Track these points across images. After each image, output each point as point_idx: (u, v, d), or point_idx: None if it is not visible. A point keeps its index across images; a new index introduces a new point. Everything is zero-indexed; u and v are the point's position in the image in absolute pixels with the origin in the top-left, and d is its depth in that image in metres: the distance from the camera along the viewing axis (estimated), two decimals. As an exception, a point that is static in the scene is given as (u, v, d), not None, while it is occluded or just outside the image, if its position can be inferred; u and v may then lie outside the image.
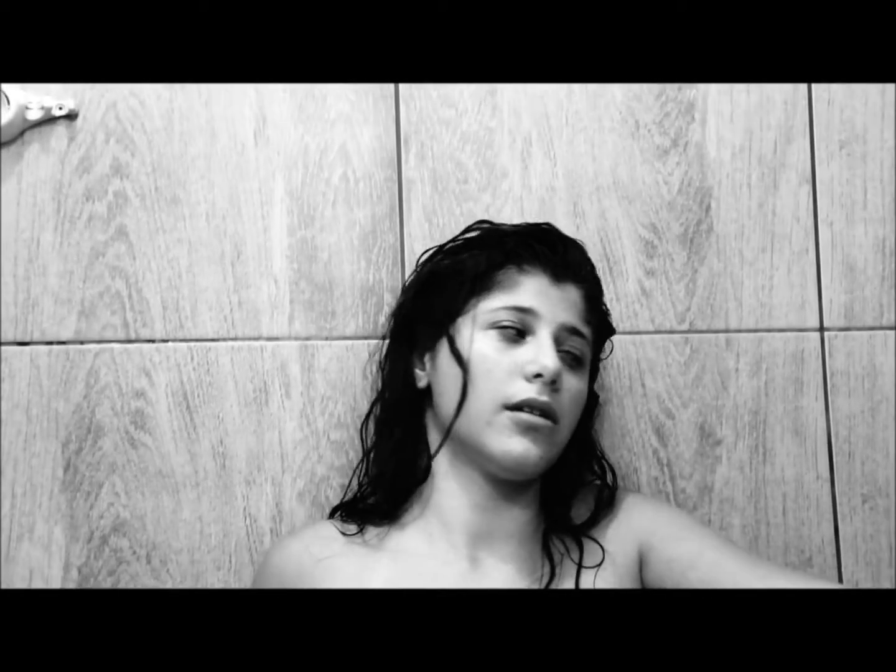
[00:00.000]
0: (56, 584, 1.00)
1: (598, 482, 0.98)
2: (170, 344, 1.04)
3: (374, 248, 1.08)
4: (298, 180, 1.08)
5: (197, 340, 1.05)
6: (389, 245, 1.08)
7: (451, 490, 0.93)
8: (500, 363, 0.89)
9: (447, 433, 0.91)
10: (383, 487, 0.97)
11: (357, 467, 1.00)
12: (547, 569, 0.90)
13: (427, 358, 0.95)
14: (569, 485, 0.96)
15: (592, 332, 0.95)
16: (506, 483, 0.92)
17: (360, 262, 1.08)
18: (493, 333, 0.90)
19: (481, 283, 0.92)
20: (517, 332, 0.90)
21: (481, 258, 0.93)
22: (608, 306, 1.08)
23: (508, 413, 0.88)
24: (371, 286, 1.08)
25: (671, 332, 1.09)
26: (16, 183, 1.04)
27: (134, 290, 1.04)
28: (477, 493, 0.92)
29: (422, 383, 0.96)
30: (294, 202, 1.08)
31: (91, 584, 1.00)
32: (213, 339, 1.05)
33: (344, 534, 0.94)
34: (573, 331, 0.92)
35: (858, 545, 1.08)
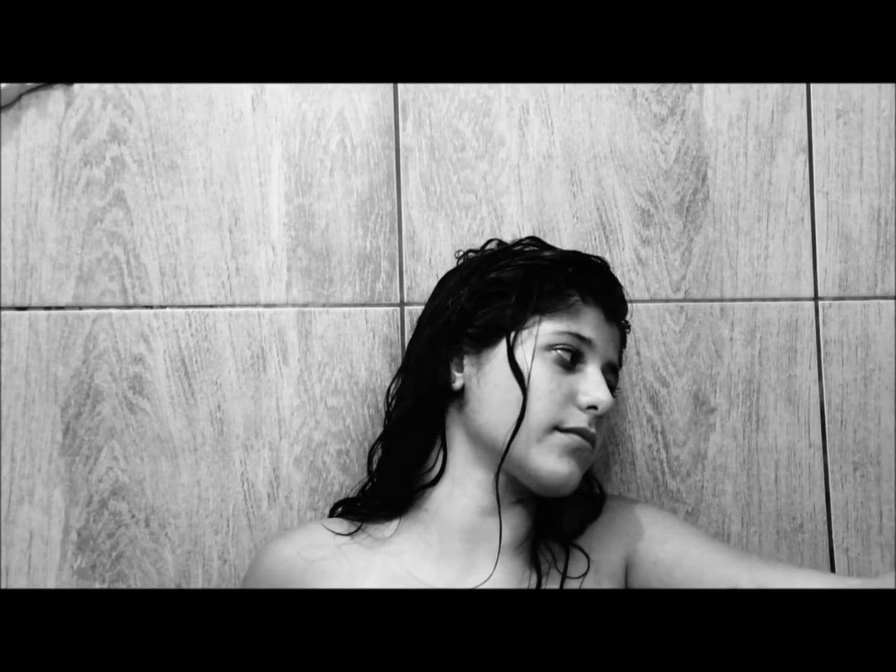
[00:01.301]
0: (56, 546, 1.01)
1: (585, 490, 0.99)
2: (168, 310, 1.05)
3: (372, 215, 1.08)
4: (296, 147, 1.08)
5: (195, 307, 1.05)
6: (387, 212, 1.09)
7: (457, 495, 0.93)
8: (559, 387, 0.90)
9: (505, 452, 0.90)
10: (392, 486, 0.97)
11: (371, 453, 1.01)
12: (534, 579, 0.91)
13: (468, 362, 0.94)
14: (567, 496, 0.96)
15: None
16: (514, 492, 0.93)
17: (357, 230, 1.08)
18: (551, 356, 0.91)
19: (547, 304, 0.92)
20: (571, 359, 0.91)
21: (548, 278, 0.93)
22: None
23: (560, 434, 0.89)
24: (368, 253, 1.08)
25: (666, 300, 1.10)
26: (14, 148, 1.04)
27: (132, 256, 1.05)
28: (484, 498, 0.92)
29: (457, 385, 0.94)
30: (291, 169, 1.08)
31: (90, 547, 1.01)
32: (210, 306, 1.06)
33: (339, 534, 0.94)
34: (613, 367, 0.95)
35: (849, 512, 1.09)
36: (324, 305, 1.07)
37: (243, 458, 1.04)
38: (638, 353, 1.09)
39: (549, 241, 1.09)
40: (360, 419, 1.06)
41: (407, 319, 1.07)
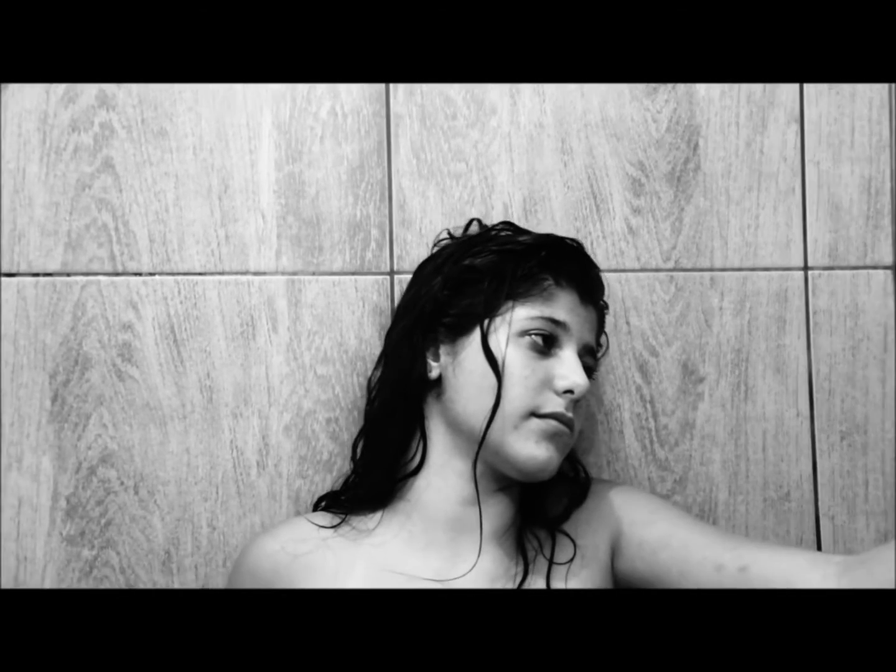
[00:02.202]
0: (45, 513, 1.01)
1: (570, 474, 0.99)
2: (157, 277, 1.05)
3: (362, 183, 1.08)
4: (286, 114, 1.07)
5: (184, 274, 1.05)
6: (377, 181, 1.08)
7: (438, 485, 0.93)
8: (534, 372, 0.90)
9: (482, 440, 0.90)
10: (374, 477, 0.97)
11: (354, 447, 1.01)
12: (521, 566, 0.91)
13: (444, 351, 0.94)
14: (551, 481, 0.96)
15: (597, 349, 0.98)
16: (496, 479, 0.93)
17: (347, 198, 1.08)
18: (525, 341, 0.91)
19: (520, 289, 0.92)
20: (545, 343, 0.91)
21: (521, 263, 0.93)
22: (595, 243, 1.09)
23: (536, 420, 0.89)
24: (358, 222, 1.08)
25: (657, 270, 1.10)
26: (0, 112, 1.03)
27: (121, 223, 1.04)
28: (465, 488, 0.92)
29: (433, 374, 0.94)
30: (282, 136, 1.07)
31: (79, 514, 1.01)
32: (200, 273, 1.05)
33: (323, 527, 0.94)
34: (590, 350, 0.95)
35: (835, 481, 1.10)
36: (313, 274, 1.07)
37: (232, 426, 1.04)
38: (628, 323, 1.09)
39: (539, 210, 1.09)
40: (350, 388, 1.06)
41: (397, 288, 1.07)
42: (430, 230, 1.08)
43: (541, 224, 1.09)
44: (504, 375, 0.89)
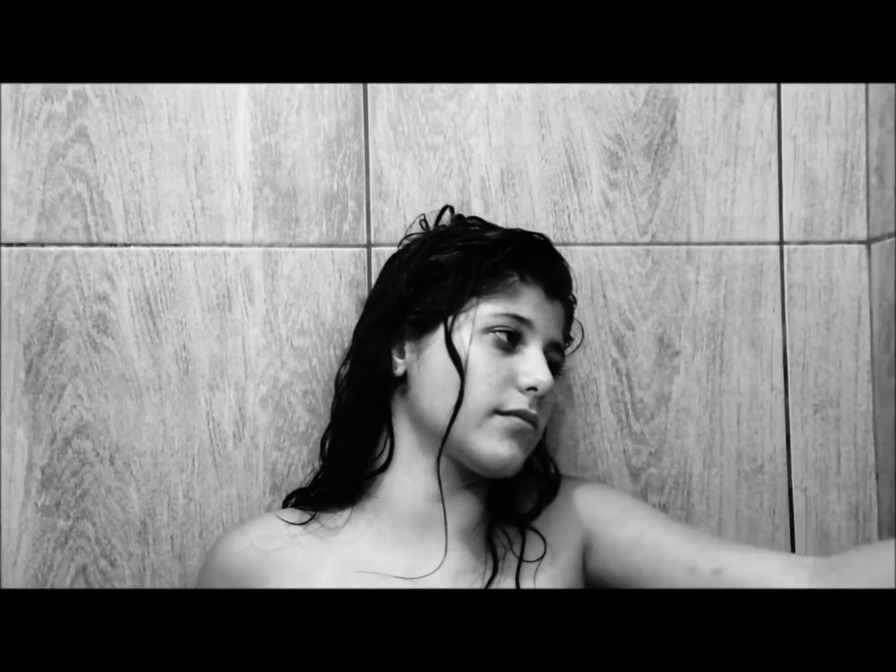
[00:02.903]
0: (19, 483, 1.01)
1: (541, 471, 0.99)
2: (132, 248, 1.04)
3: (339, 155, 1.07)
4: (262, 85, 1.07)
5: (160, 245, 1.04)
6: (354, 152, 1.08)
7: (406, 481, 0.93)
8: (497, 370, 0.89)
9: (445, 437, 0.90)
10: (342, 474, 0.97)
11: (322, 446, 1.01)
12: (490, 563, 0.92)
13: (409, 348, 0.94)
14: (519, 477, 0.96)
15: (564, 344, 0.98)
16: (463, 476, 0.93)
17: (324, 170, 1.07)
18: (489, 338, 0.90)
19: (484, 286, 0.91)
20: (510, 340, 0.91)
21: (485, 259, 0.92)
22: (572, 216, 1.09)
23: (500, 417, 0.89)
24: (335, 194, 1.07)
25: (633, 244, 1.10)
26: (-28, 81, 1.02)
27: (95, 193, 1.03)
28: (433, 484, 0.92)
29: (399, 371, 0.94)
30: (258, 107, 1.07)
31: (54, 485, 1.01)
32: (175, 245, 1.05)
33: (292, 524, 0.94)
34: (556, 346, 0.94)
35: (808, 454, 1.11)
36: (290, 246, 1.07)
37: (209, 398, 1.04)
38: (604, 297, 1.10)
39: (516, 183, 1.09)
40: (327, 360, 1.06)
41: (374, 261, 1.07)
42: (407, 202, 1.08)
43: (518, 197, 1.09)
44: (467, 373, 0.89)
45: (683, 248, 1.11)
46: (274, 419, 1.05)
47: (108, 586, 1.01)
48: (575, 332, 1.07)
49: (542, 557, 0.92)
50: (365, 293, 1.06)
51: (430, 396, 0.91)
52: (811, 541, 1.11)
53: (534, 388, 0.89)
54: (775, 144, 1.11)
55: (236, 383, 1.05)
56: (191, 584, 1.03)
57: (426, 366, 0.92)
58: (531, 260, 0.94)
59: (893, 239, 1.07)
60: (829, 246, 1.12)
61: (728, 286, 1.11)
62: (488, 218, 1.08)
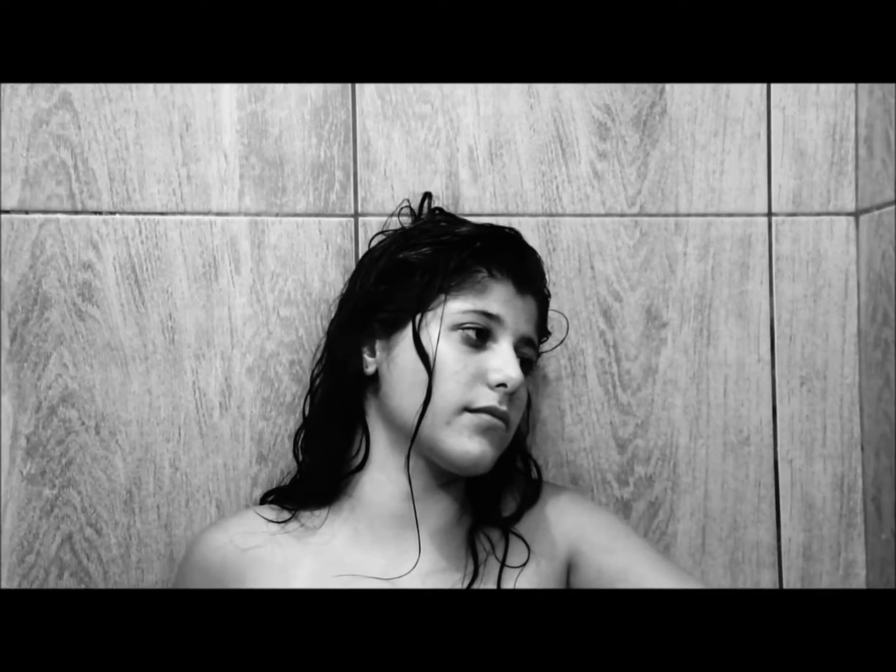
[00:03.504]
0: (4, 451, 1.01)
1: (523, 476, 0.99)
2: (117, 216, 1.03)
3: (326, 124, 1.07)
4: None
5: (145, 213, 1.04)
6: (341, 121, 1.07)
7: (381, 481, 0.93)
8: (466, 367, 0.89)
9: (414, 436, 0.89)
10: (318, 473, 0.96)
11: (296, 441, 1.00)
12: (471, 567, 0.91)
13: (379, 346, 0.93)
14: (498, 478, 0.96)
15: (538, 339, 0.97)
16: (438, 475, 0.93)
17: (311, 139, 1.06)
18: (457, 335, 0.90)
19: (452, 282, 0.91)
20: (479, 337, 0.90)
21: (453, 255, 0.91)
22: (560, 187, 1.09)
23: (469, 415, 0.88)
24: (322, 163, 1.07)
25: (622, 215, 1.10)
26: (-45, 46, 1.01)
27: (80, 161, 1.03)
28: (408, 483, 0.92)
29: (370, 370, 0.93)
30: (244, 75, 1.06)
31: (39, 453, 1.01)
32: (161, 213, 1.04)
33: (272, 521, 0.94)
34: (528, 341, 0.93)
35: (794, 426, 1.11)
36: (277, 215, 1.06)
37: (195, 368, 1.04)
38: (592, 268, 1.09)
39: (504, 153, 1.08)
40: (313, 330, 1.06)
41: (361, 231, 1.06)
42: (394, 172, 1.07)
43: (506, 167, 1.08)
44: (436, 371, 0.88)
45: (672, 219, 1.10)
46: (260, 389, 1.05)
47: (93, 555, 1.01)
48: (561, 324, 1.07)
49: (525, 564, 0.92)
50: (352, 263, 1.06)
51: (399, 395, 0.91)
52: (796, 512, 1.11)
53: (503, 385, 0.88)
54: (764, 115, 1.11)
55: (223, 353, 1.04)
56: (177, 553, 1.03)
57: (395, 364, 0.91)
58: (500, 255, 0.93)
59: (882, 211, 1.07)
60: (818, 218, 1.12)
61: (716, 258, 1.11)
62: (476, 188, 1.08)
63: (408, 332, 0.90)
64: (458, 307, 0.90)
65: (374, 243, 1.00)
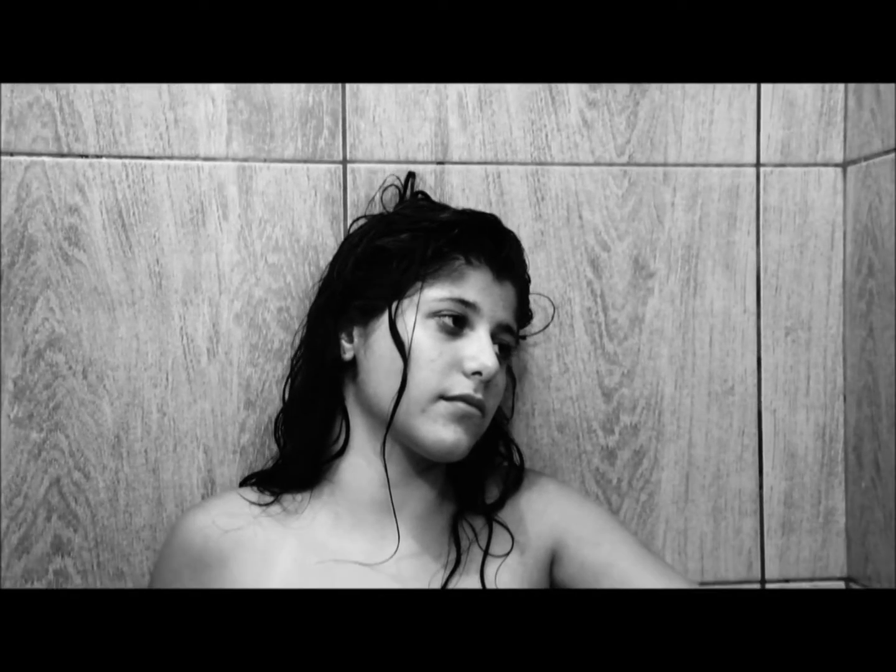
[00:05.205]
0: (-8, 395, 1.01)
1: (506, 464, 0.99)
2: (104, 160, 1.02)
3: (314, 68, 1.06)
4: (236, -5, 1.04)
5: (132, 157, 1.03)
6: (330, 66, 1.06)
7: (361, 466, 0.93)
8: (441, 355, 0.88)
9: (389, 423, 0.89)
10: (298, 458, 0.96)
11: (276, 431, 1.01)
12: (453, 555, 0.92)
13: (357, 333, 0.93)
14: (479, 464, 0.97)
15: (518, 325, 0.96)
16: (416, 461, 0.93)
17: (299, 84, 1.06)
18: (433, 323, 0.89)
19: (429, 270, 0.90)
20: (455, 324, 0.89)
21: (430, 242, 0.91)
22: (549, 136, 1.09)
23: (444, 403, 0.88)
24: (311, 108, 1.06)
25: (610, 164, 1.10)
26: (-63, -16, 0.99)
27: (65, 103, 1.01)
28: (389, 469, 0.92)
29: (347, 356, 0.93)
30: (232, 17, 1.04)
31: (27, 397, 1.01)
32: (148, 157, 1.03)
33: (254, 504, 0.94)
34: (506, 328, 0.93)
35: (778, 376, 1.12)
36: (265, 161, 1.05)
37: (182, 313, 1.04)
38: (580, 217, 1.09)
39: (494, 101, 1.08)
40: (301, 277, 1.05)
41: (349, 177, 1.06)
42: (383, 119, 1.07)
43: (495, 115, 1.08)
44: (411, 358, 0.88)
45: (660, 169, 1.10)
46: (248, 335, 1.05)
47: (81, 498, 1.02)
48: (547, 311, 1.07)
49: (508, 553, 0.92)
50: (340, 210, 1.06)
51: (375, 382, 0.91)
52: (778, 460, 1.13)
53: (478, 373, 0.88)
54: (755, 65, 1.11)
55: (210, 299, 1.04)
56: (164, 497, 1.03)
57: (372, 351, 0.91)
58: (478, 241, 0.92)
59: (870, 162, 1.07)
60: (806, 168, 1.12)
61: (704, 208, 1.11)
62: (465, 136, 1.08)
63: (384, 319, 0.90)
64: (434, 295, 0.90)
65: (354, 228, 1.00)
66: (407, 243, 0.92)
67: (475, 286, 0.90)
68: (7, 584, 1.00)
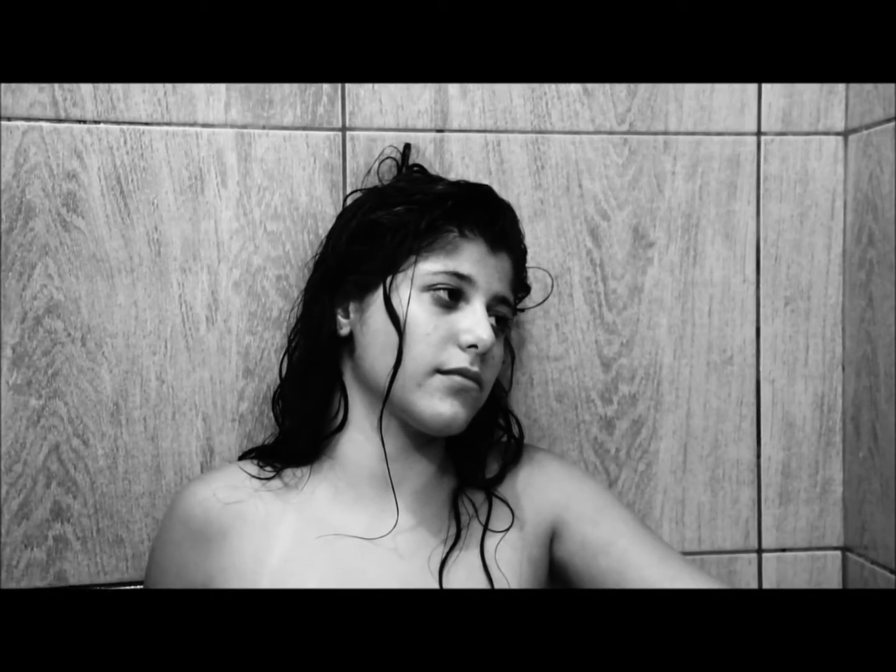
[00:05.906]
0: (-10, 361, 1.01)
1: (505, 437, 0.99)
2: (102, 126, 1.02)
3: (314, 35, 1.05)
4: (235, -41, 1.04)
5: (130, 123, 1.02)
6: (329, 33, 1.05)
7: (360, 441, 0.93)
8: (436, 329, 0.88)
9: (386, 397, 0.89)
10: (297, 433, 0.96)
11: (274, 406, 1.01)
12: (453, 529, 0.92)
13: (353, 308, 0.93)
14: (478, 438, 0.97)
15: (515, 296, 0.96)
16: (415, 435, 0.93)
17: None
18: (428, 297, 0.89)
19: (423, 243, 0.90)
20: (450, 298, 0.89)
21: (424, 215, 0.90)
22: (549, 104, 1.08)
23: (440, 377, 0.88)
24: (310, 75, 1.05)
25: (611, 132, 1.09)
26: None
27: (62, 68, 1.01)
28: (387, 443, 0.92)
29: (344, 331, 0.93)
30: (230, -17, 1.04)
31: (25, 364, 1.00)
32: (146, 123, 1.03)
33: (255, 478, 0.94)
34: (502, 300, 0.92)
35: (777, 346, 1.12)
36: (263, 127, 1.05)
37: (181, 281, 1.04)
38: (580, 186, 1.09)
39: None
40: (300, 245, 1.05)
41: (349, 145, 1.06)
42: (382, 86, 1.06)
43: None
44: (406, 333, 0.88)
45: (661, 137, 1.10)
46: (247, 303, 1.05)
47: (80, 465, 1.02)
48: (546, 283, 1.07)
49: (508, 529, 0.93)
50: (339, 178, 1.05)
51: (372, 357, 0.91)
52: (776, 430, 1.13)
53: (474, 346, 0.88)
54: (756, 33, 1.10)
55: (209, 266, 1.04)
56: (163, 465, 1.03)
57: (368, 326, 0.91)
58: (472, 213, 0.91)
59: (871, 131, 1.07)
60: (807, 137, 1.12)
61: (704, 177, 1.11)
62: (465, 104, 1.07)
63: (379, 294, 0.90)
64: (429, 268, 0.89)
65: (349, 201, 1.00)
66: (401, 217, 0.91)
67: (470, 258, 0.90)
68: (7, 550, 1.01)
